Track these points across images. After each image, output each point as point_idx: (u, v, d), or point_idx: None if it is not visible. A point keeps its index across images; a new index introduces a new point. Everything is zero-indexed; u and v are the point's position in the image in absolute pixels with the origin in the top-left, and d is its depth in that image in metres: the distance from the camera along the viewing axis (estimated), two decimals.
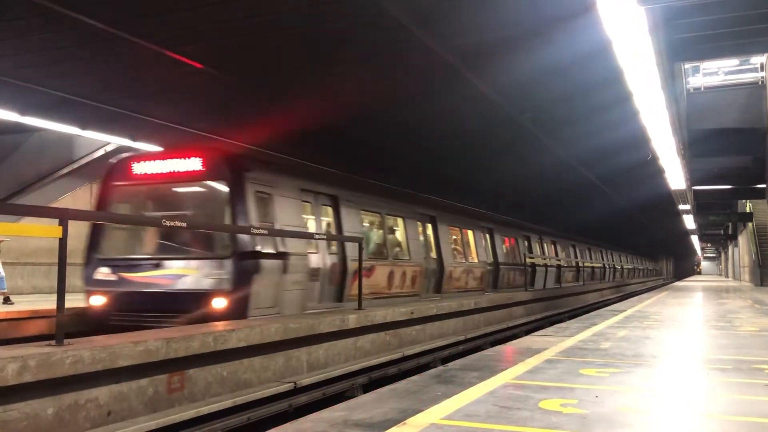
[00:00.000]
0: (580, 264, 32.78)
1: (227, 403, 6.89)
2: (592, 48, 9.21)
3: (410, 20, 8.11)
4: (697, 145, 17.23)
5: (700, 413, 4.57)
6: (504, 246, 21.66)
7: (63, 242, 6.04)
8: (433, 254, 16.08)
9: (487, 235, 20.33)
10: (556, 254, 28.69)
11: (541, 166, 18.43)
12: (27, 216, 6.56)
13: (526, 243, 24.08)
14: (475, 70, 10.07)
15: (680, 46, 9.81)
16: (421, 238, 15.55)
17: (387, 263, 13.66)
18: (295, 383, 7.98)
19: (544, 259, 26.25)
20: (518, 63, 9.94)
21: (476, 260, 18.77)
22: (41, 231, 6.32)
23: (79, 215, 6.50)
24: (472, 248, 18.69)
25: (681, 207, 30.87)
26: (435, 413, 4.44)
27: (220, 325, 8.04)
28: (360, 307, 10.97)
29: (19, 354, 5.36)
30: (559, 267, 28.34)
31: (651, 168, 18.91)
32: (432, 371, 6.65)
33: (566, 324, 12.16)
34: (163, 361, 6.61)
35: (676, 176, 19.99)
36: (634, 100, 11.50)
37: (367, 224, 13.64)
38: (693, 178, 21.52)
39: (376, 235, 14.00)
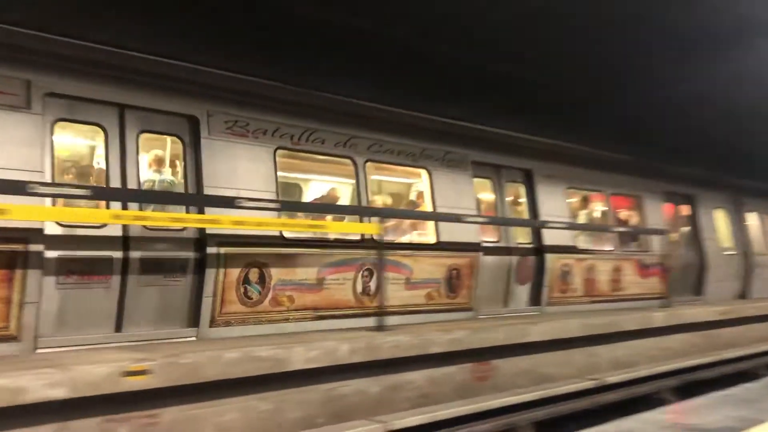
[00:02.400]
0: None
1: (532, 395, 6.90)
2: None
3: None
4: None
5: None
6: None
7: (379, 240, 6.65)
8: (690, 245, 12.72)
9: None
10: None
11: None
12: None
13: None
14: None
15: None
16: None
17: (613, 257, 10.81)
18: (599, 381, 7.71)
19: None
20: None
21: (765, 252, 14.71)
22: (366, 228, 7.07)
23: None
24: (750, 237, 14.43)
25: None
26: None
27: (521, 319, 8.12)
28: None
29: (350, 336, 6.05)
30: None
31: None
32: None
33: None
34: (468, 350, 6.88)
35: None
36: None
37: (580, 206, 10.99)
38: None
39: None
